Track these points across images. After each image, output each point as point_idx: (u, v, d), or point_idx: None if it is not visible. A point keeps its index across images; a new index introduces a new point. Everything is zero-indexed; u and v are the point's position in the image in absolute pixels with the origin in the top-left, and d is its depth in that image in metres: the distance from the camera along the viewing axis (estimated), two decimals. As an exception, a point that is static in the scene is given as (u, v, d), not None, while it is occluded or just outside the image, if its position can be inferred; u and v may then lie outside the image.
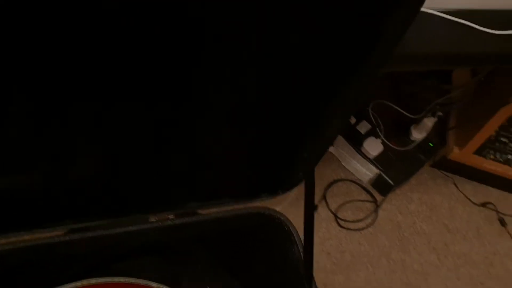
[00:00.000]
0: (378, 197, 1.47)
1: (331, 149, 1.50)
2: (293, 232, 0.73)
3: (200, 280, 0.73)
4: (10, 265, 0.66)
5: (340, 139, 1.46)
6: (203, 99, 0.54)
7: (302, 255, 0.71)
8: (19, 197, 0.59)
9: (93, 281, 0.60)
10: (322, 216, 1.40)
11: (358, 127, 1.43)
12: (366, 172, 1.46)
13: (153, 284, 0.62)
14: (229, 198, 0.72)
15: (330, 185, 1.46)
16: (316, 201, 1.40)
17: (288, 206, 1.17)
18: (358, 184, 1.48)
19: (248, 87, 0.54)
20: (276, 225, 0.74)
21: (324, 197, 1.43)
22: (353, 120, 1.45)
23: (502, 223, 1.49)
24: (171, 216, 0.71)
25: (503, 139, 1.32)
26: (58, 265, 0.67)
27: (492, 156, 1.38)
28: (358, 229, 1.41)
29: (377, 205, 1.45)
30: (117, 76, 0.47)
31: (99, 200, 0.65)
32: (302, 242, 0.72)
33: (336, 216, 1.40)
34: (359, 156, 1.44)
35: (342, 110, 0.55)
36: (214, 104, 0.56)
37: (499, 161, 1.39)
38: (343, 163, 1.51)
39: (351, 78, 0.53)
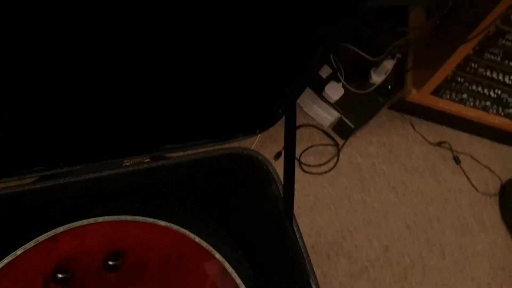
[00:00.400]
0: (339, 140, 1.49)
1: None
2: (271, 171, 0.72)
3: (178, 222, 0.72)
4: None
5: (301, 85, 1.45)
6: (182, 39, 0.51)
7: (281, 193, 0.71)
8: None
9: (108, 218, 0.59)
10: (286, 162, 1.41)
11: (319, 72, 1.43)
12: (327, 116, 1.47)
13: (161, 222, 0.60)
14: (205, 139, 0.70)
15: (292, 130, 1.46)
16: (280, 148, 1.40)
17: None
18: (319, 129, 1.50)
19: (228, 25, 0.51)
20: (254, 165, 0.73)
21: (287, 142, 1.43)
22: (314, 64, 1.44)
23: (456, 160, 1.56)
24: (146, 160, 0.69)
25: (459, 79, 1.36)
26: (29, 215, 0.64)
27: (448, 96, 1.42)
28: (321, 173, 1.43)
29: (338, 149, 1.47)
30: (95, 15, 0.44)
31: (71, 144, 0.61)
32: (282, 181, 0.72)
33: (299, 162, 1.42)
34: (321, 101, 1.44)
35: (328, 41, 0.54)
36: (193, 44, 0.53)
37: (454, 101, 1.43)
38: (304, 109, 1.51)
39: (335, 11, 0.51)
